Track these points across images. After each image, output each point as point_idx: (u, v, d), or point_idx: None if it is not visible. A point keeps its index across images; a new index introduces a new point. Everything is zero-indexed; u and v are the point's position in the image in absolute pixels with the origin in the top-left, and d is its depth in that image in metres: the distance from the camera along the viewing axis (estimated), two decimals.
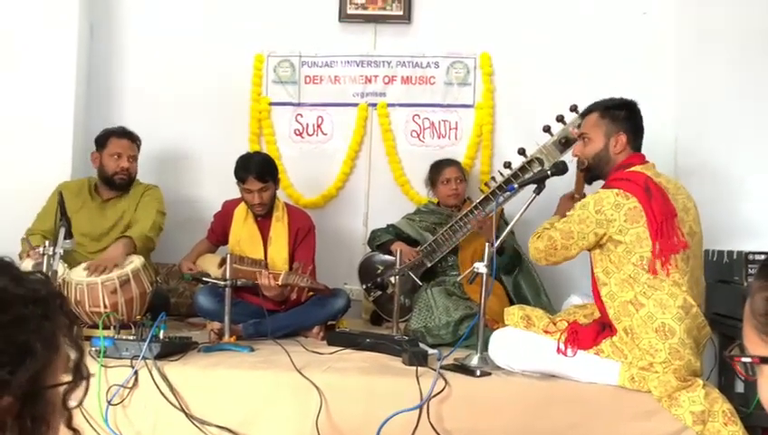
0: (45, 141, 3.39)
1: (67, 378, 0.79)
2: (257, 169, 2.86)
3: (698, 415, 1.99)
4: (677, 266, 2.08)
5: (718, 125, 3.25)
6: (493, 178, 3.07)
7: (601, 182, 2.33)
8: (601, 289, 2.17)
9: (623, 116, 2.29)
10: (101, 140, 3.09)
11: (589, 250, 2.22)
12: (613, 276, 2.13)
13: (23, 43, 3.39)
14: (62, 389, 0.79)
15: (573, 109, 2.82)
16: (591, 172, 2.35)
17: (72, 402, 0.81)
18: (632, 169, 2.22)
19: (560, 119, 2.83)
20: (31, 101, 3.40)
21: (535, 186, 2.37)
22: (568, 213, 2.24)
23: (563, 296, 2.78)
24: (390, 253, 3.17)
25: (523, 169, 2.91)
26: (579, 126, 2.81)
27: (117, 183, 3.06)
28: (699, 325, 2.11)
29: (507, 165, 2.96)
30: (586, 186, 2.50)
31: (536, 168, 2.89)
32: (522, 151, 2.90)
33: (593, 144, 2.31)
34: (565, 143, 2.86)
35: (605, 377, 2.09)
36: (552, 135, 2.86)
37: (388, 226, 3.33)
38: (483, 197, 3.01)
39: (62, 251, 2.32)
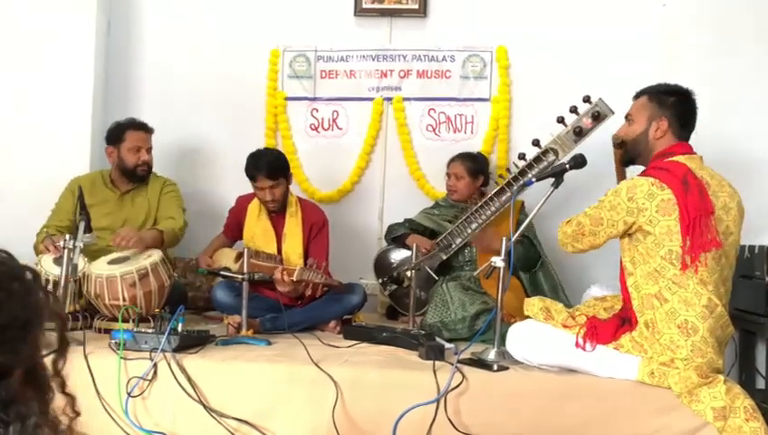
0: (64, 136, 3.43)
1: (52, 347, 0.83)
2: (267, 168, 2.86)
3: (719, 411, 1.96)
4: (707, 265, 2.03)
5: (738, 118, 3.20)
6: (507, 170, 3.05)
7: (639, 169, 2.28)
8: (627, 278, 2.14)
9: (671, 102, 2.22)
10: (116, 134, 3.10)
11: (617, 238, 2.18)
12: (639, 267, 2.10)
13: (41, 39, 3.43)
14: (50, 357, 0.83)
15: (586, 99, 2.80)
16: (628, 154, 2.31)
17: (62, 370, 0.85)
18: (673, 158, 2.15)
19: (573, 109, 2.81)
20: (49, 97, 3.44)
21: (553, 179, 2.35)
22: (599, 198, 2.19)
23: (582, 292, 2.75)
24: (406, 246, 3.16)
25: (537, 159, 2.90)
26: (593, 116, 2.79)
27: (139, 175, 3.09)
28: (723, 325, 2.07)
29: (522, 156, 2.95)
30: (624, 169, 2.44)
31: (550, 158, 2.88)
32: (536, 142, 2.89)
33: (635, 126, 2.27)
34: (579, 133, 2.85)
35: (624, 372, 2.07)
36: (565, 125, 2.85)
37: (405, 220, 3.33)
38: (497, 188, 3.00)
39: (81, 245, 2.34)
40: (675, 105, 2.23)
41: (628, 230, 2.11)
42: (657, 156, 2.20)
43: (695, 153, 2.20)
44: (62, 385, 0.85)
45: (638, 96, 2.33)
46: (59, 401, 0.85)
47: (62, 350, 0.84)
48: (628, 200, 2.07)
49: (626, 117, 2.34)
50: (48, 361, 0.83)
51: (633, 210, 2.06)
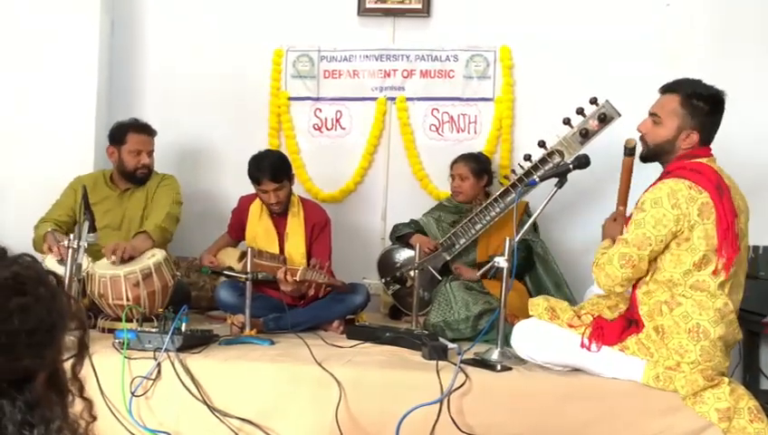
0: (67, 136, 3.43)
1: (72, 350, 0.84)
2: (271, 171, 2.86)
3: (724, 412, 1.96)
4: (732, 268, 2.02)
5: (739, 118, 3.18)
6: (512, 171, 3.05)
7: (654, 167, 2.21)
8: (640, 286, 2.11)
9: (704, 111, 2.09)
10: (118, 135, 3.08)
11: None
12: (654, 276, 2.08)
13: (44, 39, 3.43)
14: (70, 361, 0.84)
15: (593, 101, 2.80)
16: (647, 152, 2.20)
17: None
18: (698, 160, 2.08)
19: (580, 111, 2.81)
20: (52, 97, 3.44)
21: (557, 179, 2.35)
22: (634, 217, 2.07)
23: (584, 289, 2.74)
24: (410, 245, 3.16)
25: (542, 160, 2.90)
26: (599, 118, 2.78)
27: (138, 178, 3.09)
28: (733, 330, 2.07)
29: (527, 157, 2.95)
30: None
31: (556, 159, 2.87)
32: (542, 143, 2.89)
33: (662, 130, 2.11)
34: (585, 135, 2.85)
35: (629, 374, 2.06)
36: (572, 127, 2.85)
37: (411, 221, 3.32)
38: (502, 189, 3.00)
39: (85, 244, 2.35)
40: (707, 115, 2.10)
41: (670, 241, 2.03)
42: (679, 157, 2.13)
43: (712, 155, 2.15)
44: (81, 389, 0.85)
45: (667, 91, 2.14)
46: (76, 406, 0.85)
47: (81, 354, 0.85)
48: (672, 208, 1.98)
49: (651, 114, 2.16)
50: (66, 364, 0.83)
51: (680, 217, 1.98)
